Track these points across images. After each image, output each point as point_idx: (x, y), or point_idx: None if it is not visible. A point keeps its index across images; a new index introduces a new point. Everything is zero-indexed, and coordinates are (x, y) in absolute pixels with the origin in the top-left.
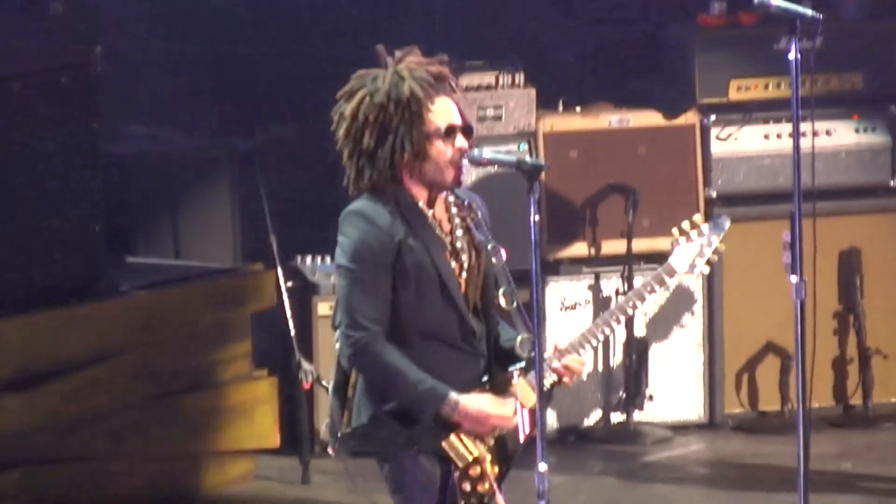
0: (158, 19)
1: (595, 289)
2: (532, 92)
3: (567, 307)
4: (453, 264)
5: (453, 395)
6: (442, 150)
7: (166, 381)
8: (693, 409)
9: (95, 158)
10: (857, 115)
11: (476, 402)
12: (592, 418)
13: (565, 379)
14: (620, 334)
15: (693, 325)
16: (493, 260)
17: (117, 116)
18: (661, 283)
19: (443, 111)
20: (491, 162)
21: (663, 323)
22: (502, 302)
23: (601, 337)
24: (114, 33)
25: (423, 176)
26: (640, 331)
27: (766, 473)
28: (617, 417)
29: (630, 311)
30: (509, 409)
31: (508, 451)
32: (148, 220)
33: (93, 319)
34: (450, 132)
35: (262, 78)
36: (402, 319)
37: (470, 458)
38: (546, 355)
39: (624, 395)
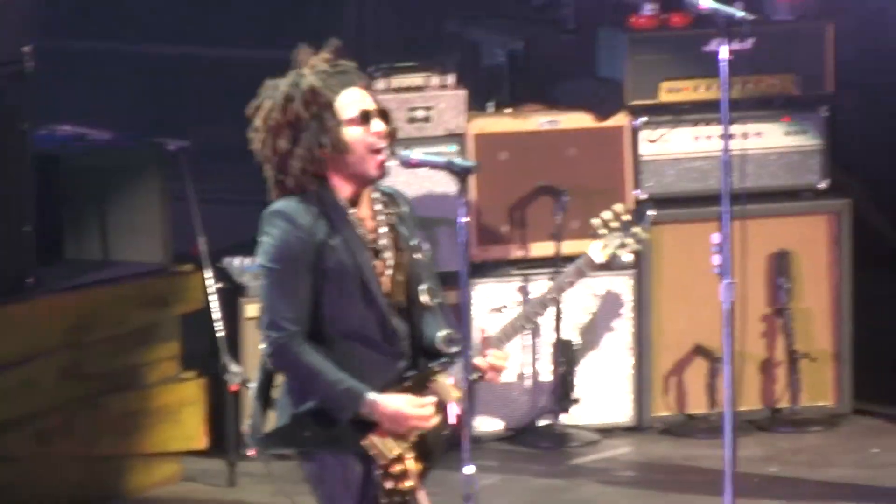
0: (90, 18)
1: (524, 291)
2: (462, 93)
3: (495, 309)
4: (376, 263)
5: (371, 395)
6: (359, 138)
7: (94, 382)
8: (621, 412)
9: (25, 158)
10: (787, 117)
11: (394, 403)
12: (520, 421)
13: (489, 375)
14: (548, 336)
15: (621, 327)
16: (417, 256)
17: (47, 116)
18: (581, 274)
19: (353, 100)
20: (421, 163)
21: (591, 325)
22: (424, 298)
23: (523, 331)
24: (44, 32)
25: (346, 169)
26: (568, 333)
27: (693, 477)
28: (545, 420)
29: (549, 305)
30: (428, 408)
31: (430, 449)
32: (77, 220)
33: (21, 320)
34: (365, 117)
35: (192, 79)
36: (323, 319)
37: (391, 456)
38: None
39: (552, 398)
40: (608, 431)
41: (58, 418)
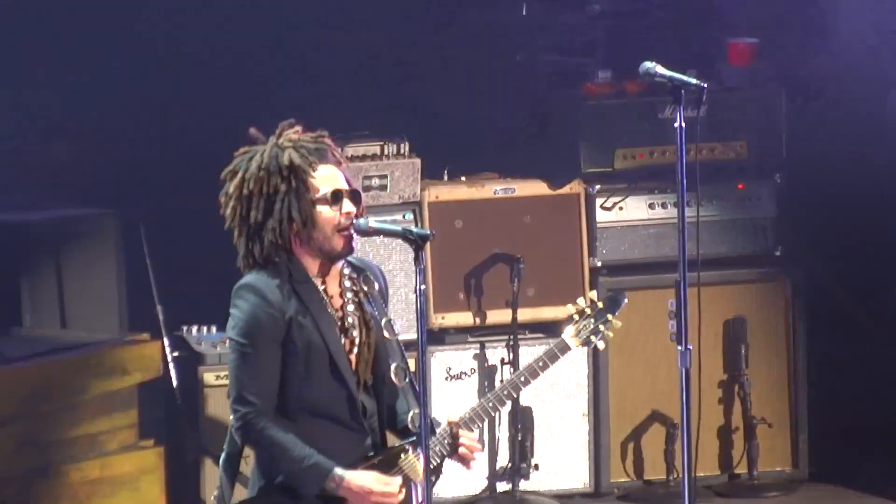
0: (46, 86)
1: (480, 358)
2: (417, 161)
3: (453, 376)
4: (343, 341)
5: (338, 471)
6: (329, 217)
7: (52, 451)
8: (578, 478)
9: None
10: (742, 184)
11: (360, 479)
12: (478, 488)
13: (462, 457)
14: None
15: (578, 394)
16: (387, 334)
17: (2, 184)
18: (555, 359)
19: (327, 178)
20: (377, 231)
21: (549, 392)
22: (394, 378)
23: (493, 412)
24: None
25: (312, 244)
26: (525, 400)
27: None
28: (503, 487)
29: (522, 387)
30: (394, 486)
31: None
32: (34, 289)
33: None
34: (336, 197)
35: (149, 147)
36: (290, 395)
37: None
38: (440, 430)
39: (510, 465)
40: (566, 497)
41: (16, 487)
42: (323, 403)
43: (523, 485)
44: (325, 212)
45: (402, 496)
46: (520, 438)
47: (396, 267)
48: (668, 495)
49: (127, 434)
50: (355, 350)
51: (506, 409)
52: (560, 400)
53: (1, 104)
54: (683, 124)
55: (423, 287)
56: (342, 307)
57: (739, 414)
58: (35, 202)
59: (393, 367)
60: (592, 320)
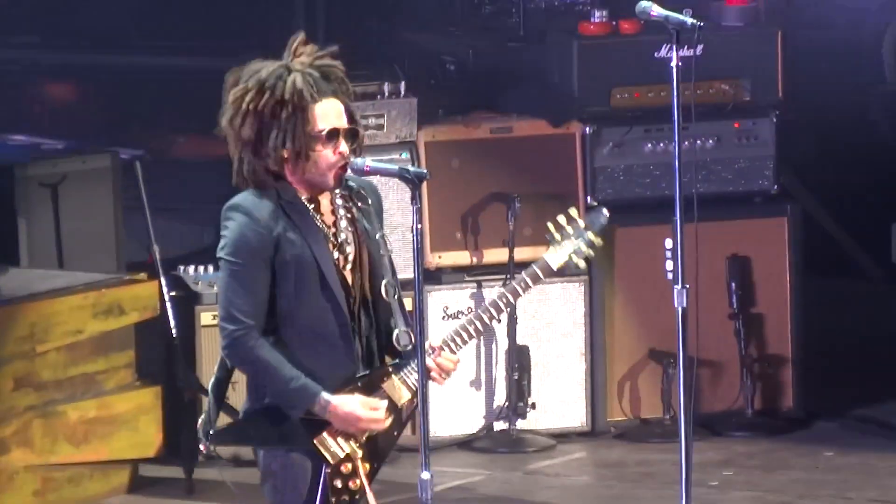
0: (44, 28)
1: (477, 297)
2: (413, 101)
3: (449, 316)
4: (337, 256)
5: (324, 395)
6: (324, 154)
7: (49, 391)
8: (575, 416)
9: None
10: (738, 123)
11: (346, 404)
12: (475, 427)
13: (435, 375)
14: (503, 342)
15: (575, 333)
16: (381, 251)
17: (1, 125)
18: (536, 279)
19: (328, 113)
20: (373, 171)
21: (546, 331)
22: (383, 293)
23: (474, 333)
24: None
25: (304, 175)
26: (522, 339)
27: (648, 481)
28: (500, 426)
29: (503, 308)
30: (381, 411)
31: (379, 450)
32: (31, 228)
33: None
34: (332, 136)
35: (147, 88)
36: (280, 314)
37: (341, 455)
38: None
39: (506, 404)
40: (563, 436)
41: (13, 427)
42: (313, 322)
43: (520, 424)
44: (319, 149)
45: (386, 423)
46: (516, 377)
47: (393, 206)
48: (664, 434)
49: (124, 373)
50: (349, 266)
51: (503, 348)
52: (557, 339)
53: None
54: (679, 63)
55: (419, 226)
56: (334, 223)
57: (737, 352)
58: (31, 142)
59: (384, 283)
60: (573, 240)
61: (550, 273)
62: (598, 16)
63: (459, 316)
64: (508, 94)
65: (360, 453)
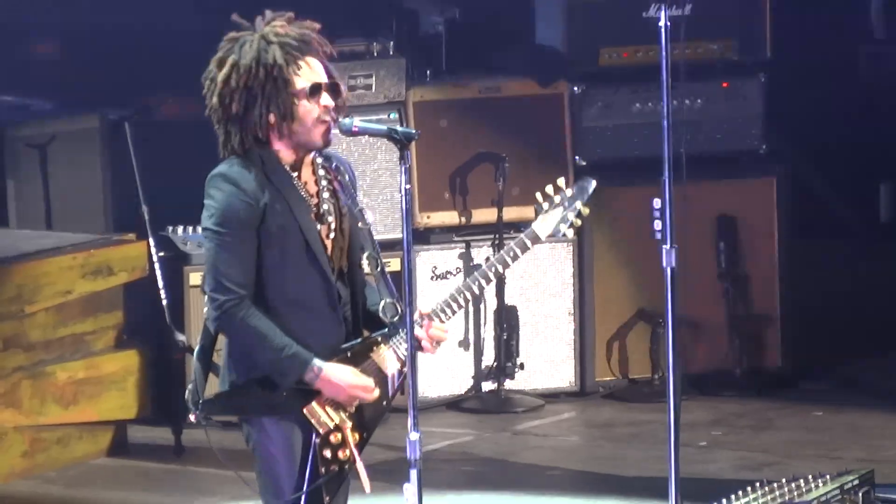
0: None
1: (466, 257)
2: (402, 61)
3: (438, 276)
4: (319, 227)
5: (317, 362)
6: (308, 109)
7: (38, 351)
8: (564, 377)
9: None
10: (726, 82)
11: (338, 372)
12: (464, 387)
13: (425, 344)
14: (491, 303)
15: (564, 293)
16: (360, 224)
17: None
18: (524, 248)
19: (308, 71)
20: (362, 131)
21: (534, 291)
22: (366, 266)
23: (463, 303)
24: None
25: (291, 137)
26: (511, 299)
27: (637, 441)
28: (488, 386)
29: (492, 277)
30: (370, 380)
31: (368, 420)
32: (20, 189)
33: None
34: (315, 91)
35: (135, 49)
36: (266, 283)
37: (331, 425)
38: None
39: (495, 364)
40: (552, 396)
41: (2, 388)
42: (299, 291)
43: (509, 384)
44: (304, 105)
45: (377, 393)
46: (505, 338)
47: (382, 166)
48: (653, 394)
49: (113, 334)
50: (332, 236)
51: (491, 309)
52: (545, 299)
53: None
54: (668, 23)
55: (408, 186)
56: (317, 194)
57: (725, 312)
58: (20, 103)
59: (365, 255)
60: (561, 209)
61: (538, 242)
62: None
63: (448, 276)
64: (497, 54)
65: (349, 423)
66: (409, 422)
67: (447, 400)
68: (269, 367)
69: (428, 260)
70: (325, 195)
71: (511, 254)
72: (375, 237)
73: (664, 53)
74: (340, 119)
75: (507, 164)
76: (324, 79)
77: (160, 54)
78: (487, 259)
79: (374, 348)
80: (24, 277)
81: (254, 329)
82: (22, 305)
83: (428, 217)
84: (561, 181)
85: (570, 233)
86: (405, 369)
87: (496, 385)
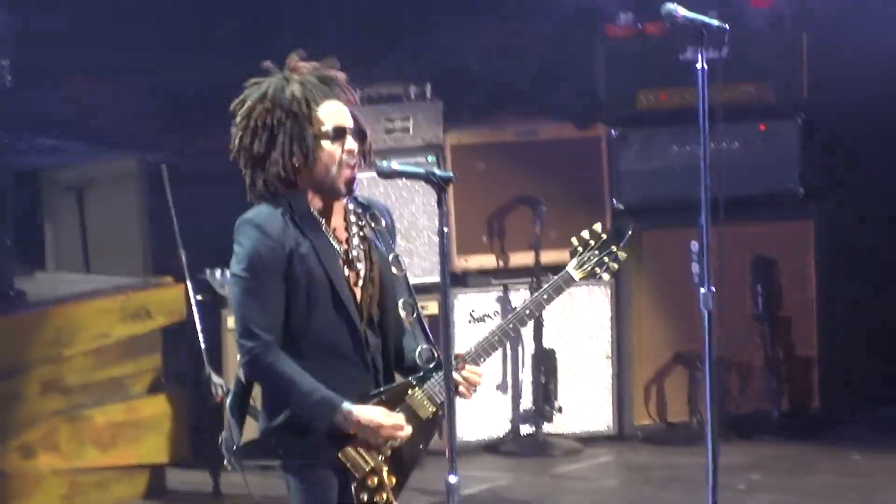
0: (69, 31)
1: (503, 300)
2: (439, 104)
3: (476, 319)
4: (348, 273)
5: (346, 405)
6: (330, 152)
7: (76, 395)
8: (602, 420)
9: (4, 171)
10: (763, 125)
11: (369, 413)
12: (502, 430)
13: (462, 389)
14: (529, 346)
15: (602, 336)
16: (395, 270)
17: (26, 129)
18: (559, 291)
19: (332, 114)
20: (399, 174)
21: (572, 334)
22: (402, 313)
23: (498, 346)
24: (22, 45)
25: (314, 180)
26: (549, 342)
27: (675, 485)
28: (526, 429)
29: (527, 320)
30: (402, 418)
31: (405, 463)
32: (58, 233)
33: (2, 333)
34: (339, 134)
35: (172, 91)
36: (293, 329)
37: (367, 469)
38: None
39: (533, 407)
40: (590, 440)
41: (41, 431)
42: (326, 337)
43: (547, 427)
44: (326, 147)
45: (409, 431)
46: (543, 381)
47: (419, 210)
48: (691, 437)
49: (151, 377)
50: (360, 283)
51: (529, 352)
52: (583, 342)
53: (21, 46)
54: (705, 66)
55: (446, 230)
56: (347, 240)
57: (763, 354)
58: (58, 146)
59: (400, 302)
60: (597, 252)
61: (573, 284)
62: (624, 18)
63: (486, 319)
64: (534, 96)
65: (385, 467)
66: (448, 465)
67: (485, 443)
68: (299, 413)
69: (466, 303)
70: (356, 241)
71: (545, 296)
72: (413, 280)
73: (701, 96)
74: (378, 162)
75: (545, 207)
76: (348, 122)
77: (198, 97)
78: (523, 302)
79: (409, 392)
80: (62, 321)
81: (282, 374)
82: (60, 349)
83: (466, 260)
84: (598, 225)
85: (606, 276)
86: (440, 413)
87: (534, 428)
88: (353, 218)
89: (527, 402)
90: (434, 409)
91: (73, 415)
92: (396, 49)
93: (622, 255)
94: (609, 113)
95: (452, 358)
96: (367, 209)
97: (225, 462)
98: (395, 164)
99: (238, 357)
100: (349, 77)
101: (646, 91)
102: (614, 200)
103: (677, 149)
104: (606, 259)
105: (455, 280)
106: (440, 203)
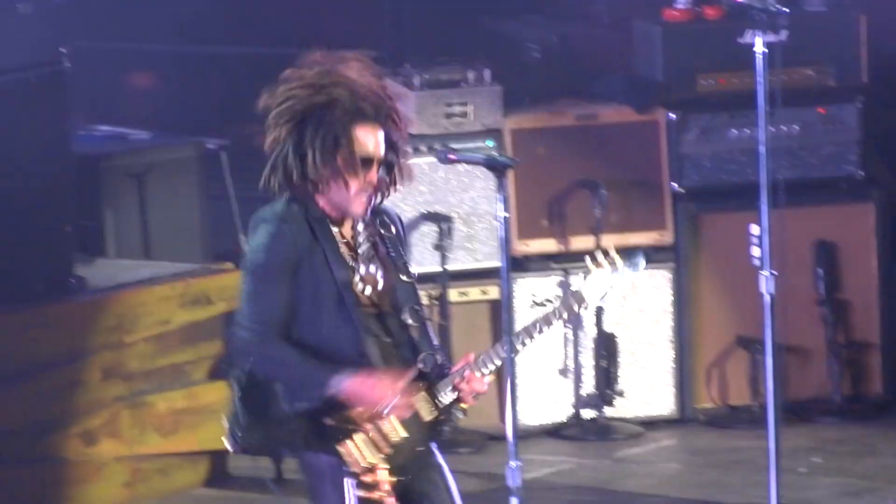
0: (127, 18)
1: (564, 284)
2: (498, 89)
3: (537, 303)
4: (356, 279)
5: (341, 374)
6: (355, 178)
7: (137, 381)
8: (664, 404)
9: (65, 158)
10: (823, 108)
11: (362, 375)
12: (564, 415)
13: (464, 395)
14: (590, 331)
15: (663, 319)
16: (403, 277)
17: (87, 116)
18: (570, 311)
19: (364, 140)
20: (459, 160)
21: (633, 318)
22: (408, 320)
23: (502, 359)
24: (83, 32)
25: (331, 196)
26: (609, 327)
27: (737, 468)
28: (588, 413)
29: (538, 335)
30: (399, 377)
31: (405, 464)
32: (118, 219)
33: (64, 320)
34: (365, 163)
35: (230, 77)
36: (299, 333)
37: (364, 465)
38: (456, 368)
39: (595, 392)
40: (651, 424)
41: (102, 418)
42: (331, 342)
43: (608, 411)
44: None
45: (404, 393)
46: (604, 365)
47: (479, 194)
48: (753, 420)
49: (211, 364)
50: (368, 290)
51: (590, 336)
52: (645, 326)
53: (82, 34)
54: (764, 49)
55: (506, 214)
56: (356, 247)
57: (824, 338)
58: (117, 133)
59: (407, 307)
60: (610, 275)
61: (583, 305)
62: (682, 2)
63: (546, 304)
64: (593, 81)
65: (384, 465)
66: (509, 449)
67: (547, 428)
68: (300, 381)
69: (526, 287)
70: (364, 248)
71: (557, 314)
72: (474, 265)
73: (760, 80)
74: (437, 147)
75: (605, 190)
76: (378, 152)
77: (256, 81)
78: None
79: (415, 392)
80: (123, 308)
81: (276, 355)
82: (121, 336)
83: (526, 245)
84: (614, 252)
85: (615, 299)
86: (442, 417)
87: (596, 412)
88: (360, 226)
89: (588, 387)
90: (437, 413)
91: (135, 401)
92: (457, 33)
93: (632, 277)
94: (668, 97)
95: (460, 365)
96: (377, 216)
97: (228, 445)
98: (456, 150)
99: (234, 346)
100: (411, 61)
101: (705, 75)
102: (673, 184)
103: (736, 132)
104: (619, 285)
105: (515, 264)
106: (500, 188)
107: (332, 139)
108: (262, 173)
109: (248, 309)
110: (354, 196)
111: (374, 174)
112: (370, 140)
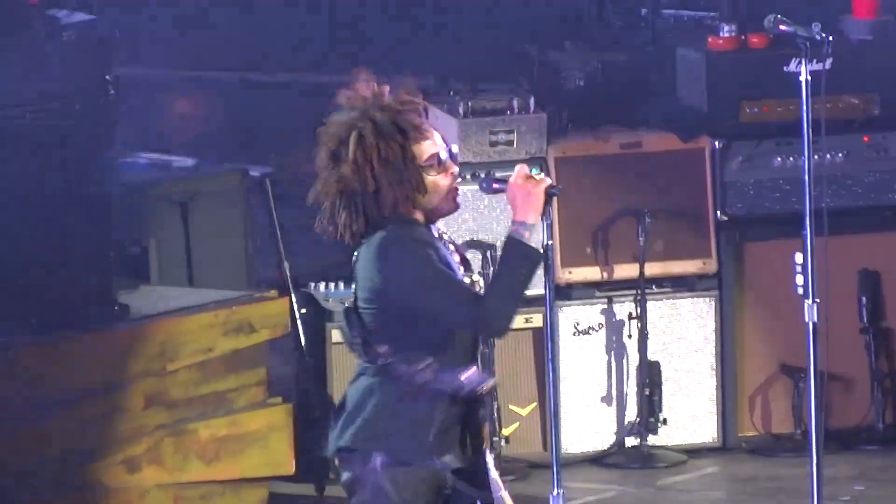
0: (172, 47)
1: (608, 313)
2: (543, 116)
3: (580, 332)
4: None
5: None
6: (437, 180)
7: (180, 409)
8: (707, 432)
9: (110, 185)
10: (868, 137)
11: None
12: (606, 442)
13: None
14: (634, 358)
15: (706, 348)
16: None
17: (131, 143)
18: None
19: (429, 143)
20: (503, 189)
21: (676, 346)
22: None
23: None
24: (128, 60)
25: (425, 206)
26: (653, 355)
27: (780, 496)
28: (631, 441)
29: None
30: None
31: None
32: (161, 246)
33: (107, 347)
34: (441, 162)
35: (275, 105)
36: (439, 337)
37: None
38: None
39: (637, 419)
40: (695, 452)
41: (145, 445)
42: (462, 339)
43: (651, 439)
44: (433, 177)
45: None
46: (647, 393)
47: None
48: (796, 448)
49: (255, 391)
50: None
51: (633, 364)
52: (687, 354)
53: (124, 59)
54: (808, 77)
55: (550, 242)
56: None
57: (867, 366)
58: (162, 161)
59: None
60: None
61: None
62: (727, 30)
63: (590, 332)
64: (637, 108)
65: None
66: (552, 477)
67: (590, 455)
68: (526, 271)
69: (570, 315)
70: (451, 248)
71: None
72: None
73: (805, 108)
74: (481, 176)
75: (649, 219)
76: (444, 148)
77: (301, 109)
78: (637, 317)
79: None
80: (166, 335)
81: (500, 302)
82: (164, 363)
83: (570, 272)
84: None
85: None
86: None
87: (639, 440)
88: (438, 232)
89: (631, 415)
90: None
91: (178, 429)
92: (501, 62)
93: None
94: (713, 125)
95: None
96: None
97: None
98: (498, 180)
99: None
100: (456, 89)
101: (749, 103)
102: (718, 212)
103: (781, 160)
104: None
105: (559, 292)
106: (544, 215)
107: (408, 157)
108: (306, 200)
109: (455, 298)
110: (447, 193)
111: (452, 167)
112: (434, 140)
